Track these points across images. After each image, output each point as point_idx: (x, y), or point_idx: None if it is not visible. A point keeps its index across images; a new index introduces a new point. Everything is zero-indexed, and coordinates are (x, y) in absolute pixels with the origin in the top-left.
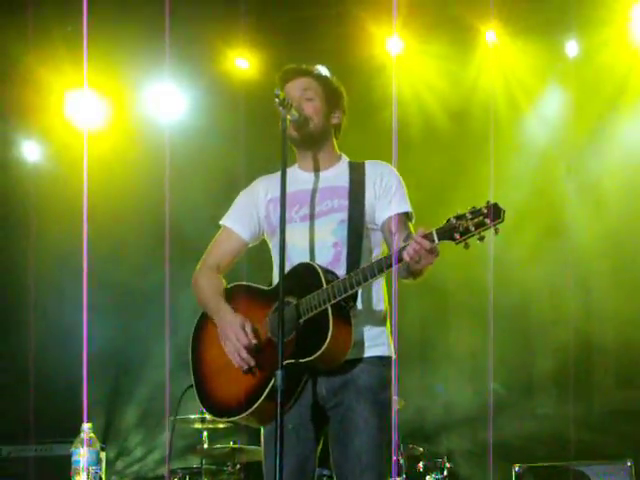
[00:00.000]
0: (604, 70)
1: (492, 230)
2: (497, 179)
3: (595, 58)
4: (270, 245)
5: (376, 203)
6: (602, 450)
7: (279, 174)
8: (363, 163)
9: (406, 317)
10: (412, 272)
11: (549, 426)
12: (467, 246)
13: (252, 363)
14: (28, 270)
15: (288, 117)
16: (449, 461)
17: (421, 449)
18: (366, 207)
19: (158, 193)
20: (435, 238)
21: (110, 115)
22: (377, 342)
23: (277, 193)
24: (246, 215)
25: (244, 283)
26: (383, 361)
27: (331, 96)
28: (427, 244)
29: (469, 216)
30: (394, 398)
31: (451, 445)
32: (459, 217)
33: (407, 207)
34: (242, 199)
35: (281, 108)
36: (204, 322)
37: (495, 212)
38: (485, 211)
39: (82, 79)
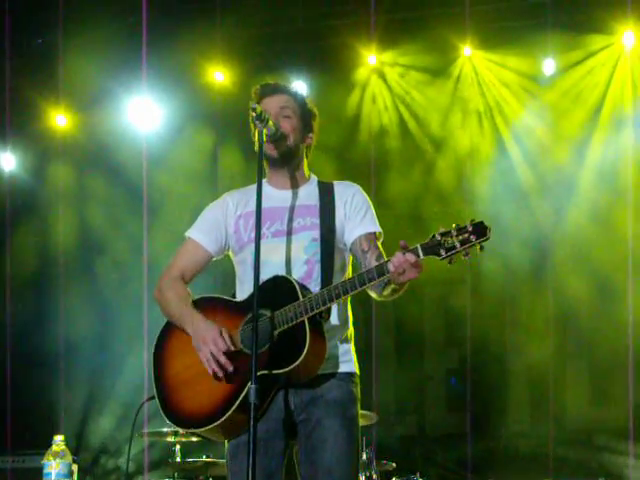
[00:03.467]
0: (581, 89)
1: (477, 247)
2: (473, 197)
3: (571, 76)
4: (234, 260)
5: (346, 223)
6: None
7: (248, 189)
8: (332, 183)
9: (381, 333)
10: (393, 286)
11: (524, 443)
12: (451, 262)
13: (230, 369)
14: (4, 282)
15: (265, 131)
16: (422, 477)
17: (394, 464)
18: (336, 226)
19: (135, 202)
20: (420, 253)
21: (87, 126)
22: (346, 358)
23: (247, 209)
24: (214, 229)
25: (212, 295)
26: (352, 377)
27: (307, 116)
28: (412, 257)
29: (454, 233)
30: (368, 413)
31: (425, 461)
32: (444, 234)
33: (376, 227)
34: (210, 212)
35: (257, 122)
36: (168, 334)
37: (481, 230)
38: (470, 228)
39: (58, 90)
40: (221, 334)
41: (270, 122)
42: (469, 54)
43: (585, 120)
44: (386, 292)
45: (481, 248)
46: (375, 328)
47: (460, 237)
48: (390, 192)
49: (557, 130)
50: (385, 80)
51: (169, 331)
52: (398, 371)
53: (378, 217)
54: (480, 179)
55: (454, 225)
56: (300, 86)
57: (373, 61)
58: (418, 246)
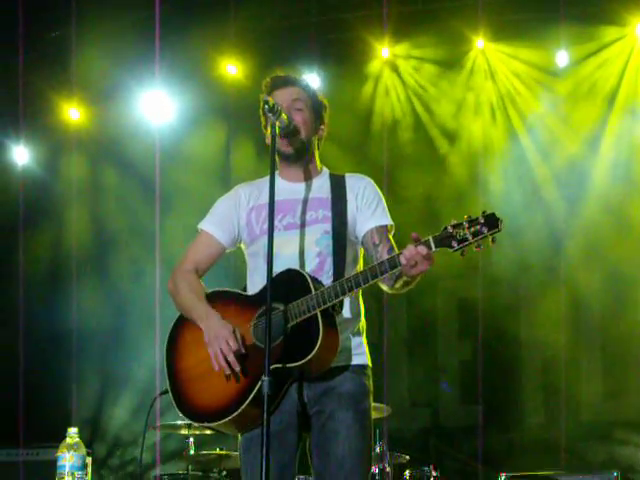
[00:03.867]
0: (594, 81)
1: (489, 239)
2: (486, 194)
3: (584, 68)
4: (246, 253)
5: (357, 216)
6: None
7: (260, 182)
8: (343, 176)
9: (394, 326)
10: (404, 279)
11: (538, 435)
12: (463, 255)
13: (237, 368)
14: (18, 275)
15: (277, 123)
16: (435, 469)
17: (407, 457)
18: (348, 219)
19: (147, 195)
20: (432, 245)
21: (100, 119)
22: (358, 351)
23: (259, 201)
24: (226, 221)
25: (225, 289)
26: (364, 370)
27: (318, 108)
28: (424, 250)
29: (466, 225)
30: (382, 406)
31: (438, 453)
32: (456, 226)
33: (388, 220)
34: (222, 205)
35: (270, 114)
36: (181, 328)
37: (492, 221)
38: (482, 220)
39: (71, 83)
40: (234, 333)
41: (283, 115)
42: (482, 46)
43: (598, 112)
44: (398, 285)
45: (493, 240)
46: (388, 321)
47: (472, 229)
48: (403, 185)
49: (570, 122)
50: (398, 73)
51: (182, 324)
52: (411, 364)
53: (391, 210)
54: (493, 171)
55: (466, 217)
56: (313, 79)
57: (386, 54)
58: (430, 238)
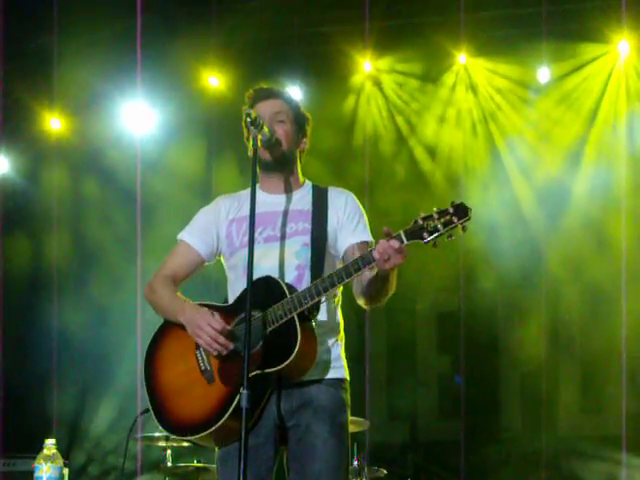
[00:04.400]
0: (575, 97)
1: (460, 228)
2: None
3: (566, 85)
4: (225, 266)
5: (338, 230)
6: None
7: (241, 194)
8: (326, 189)
9: (374, 340)
10: (380, 277)
11: (516, 450)
12: (436, 246)
13: (231, 347)
14: None
15: (259, 136)
16: None
17: (385, 471)
18: (328, 232)
19: (128, 206)
20: (404, 239)
21: (81, 129)
22: (336, 364)
23: (239, 213)
24: (206, 233)
25: (201, 302)
26: (342, 383)
27: (300, 121)
28: (396, 243)
29: (436, 216)
30: (360, 420)
31: (416, 468)
32: (426, 217)
33: (368, 236)
34: (202, 216)
35: (252, 127)
36: (158, 344)
37: (462, 210)
38: (452, 210)
39: (52, 93)
40: (213, 315)
41: (265, 128)
42: (464, 62)
43: (579, 129)
44: (373, 291)
45: (464, 229)
46: (368, 335)
47: (442, 219)
48: (384, 199)
49: (551, 138)
50: (380, 87)
51: (159, 340)
52: (390, 378)
53: (371, 224)
54: (474, 187)
55: (435, 209)
56: (295, 92)
57: (368, 68)
58: (401, 232)
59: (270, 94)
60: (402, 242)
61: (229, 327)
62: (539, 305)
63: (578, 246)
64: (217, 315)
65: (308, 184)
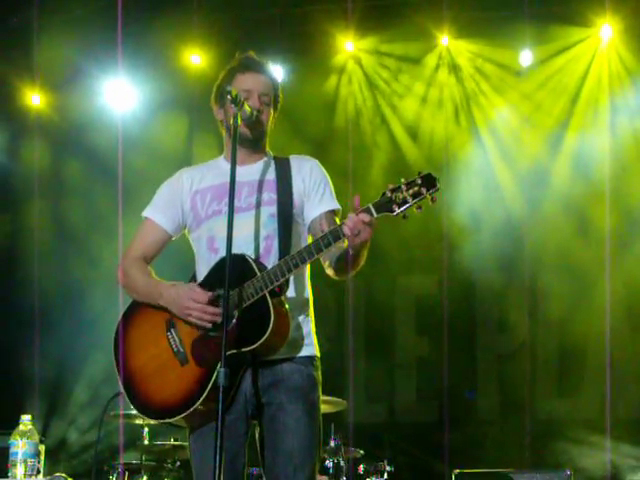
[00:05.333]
0: (558, 81)
1: (429, 199)
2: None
3: (548, 68)
4: (190, 238)
5: (305, 200)
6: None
7: (203, 166)
8: (287, 158)
9: (353, 321)
10: (351, 251)
11: (494, 433)
12: (406, 217)
13: (219, 319)
14: None
15: (239, 114)
16: (390, 464)
17: (362, 452)
18: (294, 200)
19: (109, 183)
20: (373, 212)
21: (62, 106)
22: (306, 342)
23: (202, 184)
24: (170, 207)
25: (172, 282)
26: (313, 361)
27: (277, 100)
28: (366, 217)
29: (404, 188)
30: (337, 400)
31: (394, 449)
32: (394, 190)
33: (335, 204)
34: (165, 190)
35: (232, 105)
36: (128, 325)
37: (430, 181)
38: (419, 181)
39: (33, 69)
40: (194, 289)
41: (246, 106)
42: (446, 43)
43: (561, 112)
44: (340, 265)
45: (432, 200)
46: (348, 316)
47: (410, 191)
48: (366, 180)
49: (533, 121)
50: (362, 67)
51: (129, 323)
52: (368, 358)
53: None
54: (455, 169)
55: (403, 180)
56: (277, 71)
57: (350, 48)
58: (370, 205)
59: (261, 69)
60: (372, 215)
61: (211, 294)
62: (520, 289)
63: (559, 230)
64: (195, 286)
65: (270, 155)
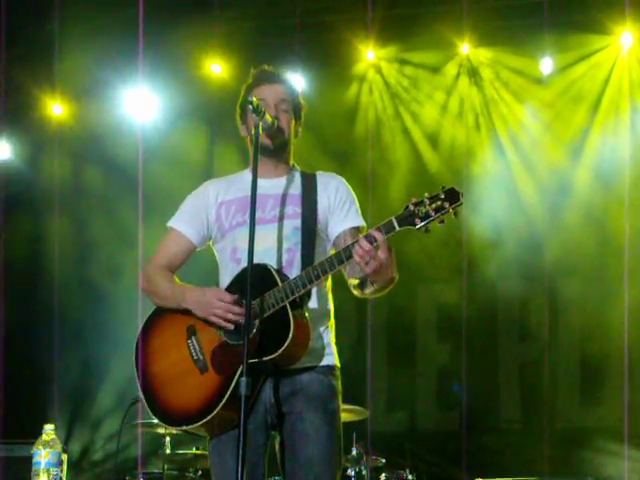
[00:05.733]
0: (578, 89)
1: (452, 213)
2: (467, 200)
3: (569, 76)
4: (215, 249)
5: (330, 215)
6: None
7: (229, 178)
8: (314, 174)
9: (374, 328)
10: (374, 286)
11: (515, 441)
12: (428, 231)
13: (241, 319)
14: None
15: (260, 124)
16: (411, 473)
17: (383, 460)
18: (319, 216)
19: (129, 193)
20: (395, 225)
21: (83, 115)
22: (327, 351)
23: (228, 196)
24: (195, 218)
25: None
26: (333, 370)
27: (299, 108)
28: (366, 245)
29: (427, 202)
30: (359, 409)
31: (415, 457)
32: (417, 203)
33: (360, 221)
34: (191, 202)
35: (254, 115)
36: (150, 332)
37: (453, 195)
38: (443, 196)
39: (54, 79)
40: (218, 291)
41: (267, 116)
42: (467, 52)
43: (582, 120)
44: (368, 291)
45: (455, 214)
46: (368, 324)
47: (433, 205)
48: (386, 188)
49: (554, 130)
50: (382, 76)
51: (150, 330)
52: (389, 367)
53: (374, 213)
54: (475, 177)
55: (426, 194)
56: (297, 80)
57: (371, 57)
58: (393, 218)
59: (275, 78)
60: (394, 229)
61: (236, 296)
62: (540, 296)
63: (580, 237)
64: (220, 289)
65: (297, 169)
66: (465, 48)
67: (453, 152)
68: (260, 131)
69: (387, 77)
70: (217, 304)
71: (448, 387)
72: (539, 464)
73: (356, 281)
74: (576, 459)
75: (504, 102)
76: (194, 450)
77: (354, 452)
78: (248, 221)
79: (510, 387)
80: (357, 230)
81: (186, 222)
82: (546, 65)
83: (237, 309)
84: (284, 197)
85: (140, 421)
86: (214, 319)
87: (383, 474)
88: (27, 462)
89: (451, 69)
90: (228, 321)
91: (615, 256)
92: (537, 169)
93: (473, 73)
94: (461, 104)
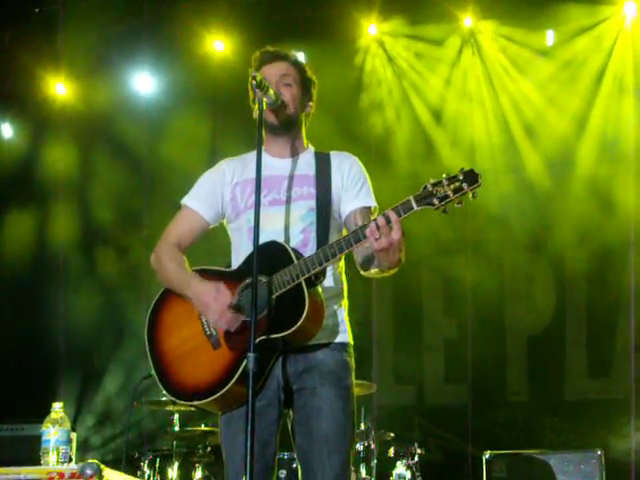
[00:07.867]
0: (582, 60)
1: (470, 195)
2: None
3: (572, 47)
4: (229, 229)
5: (342, 194)
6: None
7: (245, 157)
8: (328, 153)
9: (381, 304)
10: (379, 266)
11: (523, 414)
12: (446, 212)
13: (241, 319)
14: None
15: (264, 99)
16: (420, 447)
17: (392, 434)
18: (333, 196)
19: (134, 171)
20: (414, 204)
21: (87, 95)
22: (340, 329)
23: (243, 176)
24: (210, 196)
25: (205, 267)
26: (346, 347)
27: (306, 84)
28: (383, 220)
29: (445, 182)
30: (367, 383)
31: (423, 431)
32: (435, 184)
33: (372, 201)
34: (206, 180)
35: (257, 90)
36: (162, 307)
37: (472, 177)
38: (461, 177)
39: (58, 58)
40: (219, 290)
41: (270, 90)
42: (470, 25)
43: (586, 91)
44: (373, 270)
45: (473, 195)
46: (375, 298)
47: (452, 186)
48: (390, 162)
49: (558, 101)
50: (385, 50)
51: (162, 306)
52: (397, 342)
53: (378, 187)
54: (480, 150)
55: (444, 175)
56: (300, 56)
57: (373, 31)
58: (411, 197)
59: (276, 56)
60: (412, 208)
61: (234, 301)
62: (546, 269)
63: (585, 210)
64: (222, 287)
65: (311, 149)
66: (468, 21)
67: (457, 125)
68: (264, 106)
69: (390, 51)
70: (213, 305)
71: (455, 361)
72: (547, 437)
73: (362, 258)
74: (584, 432)
75: (508, 74)
76: (203, 427)
77: (362, 427)
78: (264, 202)
79: (517, 360)
80: (368, 210)
81: (200, 200)
82: (549, 37)
83: (228, 315)
84: (299, 178)
85: (132, 405)
86: (210, 320)
87: (392, 448)
88: (37, 441)
89: (454, 42)
90: (219, 325)
91: (621, 227)
92: (541, 141)
93: (476, 46)
94: (464, 77)
